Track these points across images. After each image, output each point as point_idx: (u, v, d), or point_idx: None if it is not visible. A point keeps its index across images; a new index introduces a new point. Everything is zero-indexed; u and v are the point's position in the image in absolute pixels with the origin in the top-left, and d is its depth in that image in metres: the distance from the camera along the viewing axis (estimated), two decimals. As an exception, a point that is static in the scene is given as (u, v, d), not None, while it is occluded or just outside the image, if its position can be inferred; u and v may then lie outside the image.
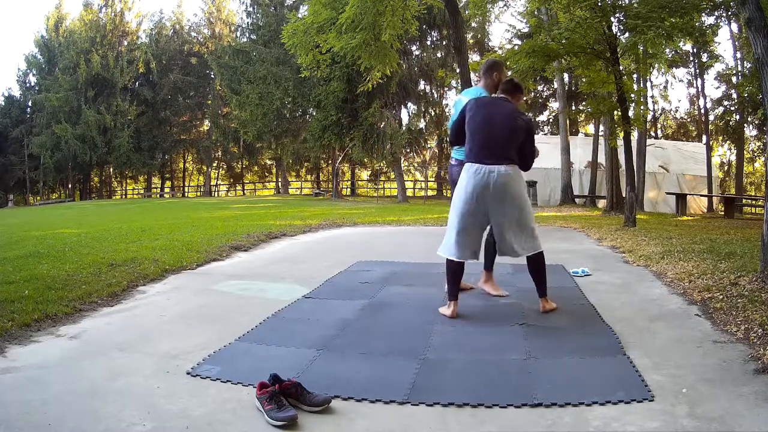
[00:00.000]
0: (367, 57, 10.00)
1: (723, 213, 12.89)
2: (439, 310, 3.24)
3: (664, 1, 7.43)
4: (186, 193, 35.25)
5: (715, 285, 3.63)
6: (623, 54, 8.81)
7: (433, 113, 23.92)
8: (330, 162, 27.09)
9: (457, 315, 3.15)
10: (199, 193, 34.28)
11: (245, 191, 35.85)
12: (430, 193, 26.74)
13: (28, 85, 32.62)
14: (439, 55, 21.72)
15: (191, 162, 37.32)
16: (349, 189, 29.44)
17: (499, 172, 3.07)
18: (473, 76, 10.44)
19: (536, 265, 3.24)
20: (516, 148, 3.16)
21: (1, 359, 2.52)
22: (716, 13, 9.72)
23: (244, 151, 30.81)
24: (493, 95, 3.39)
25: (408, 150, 22.46)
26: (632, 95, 9.15)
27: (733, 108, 20.36)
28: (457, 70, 11.51)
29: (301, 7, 20.01)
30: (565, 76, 16.71)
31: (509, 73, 9.53)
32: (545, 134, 24.46)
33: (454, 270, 3.22)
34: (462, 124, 3.27)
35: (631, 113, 8.79)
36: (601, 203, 15.87)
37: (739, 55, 17.19)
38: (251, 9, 25.65)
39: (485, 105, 3.23)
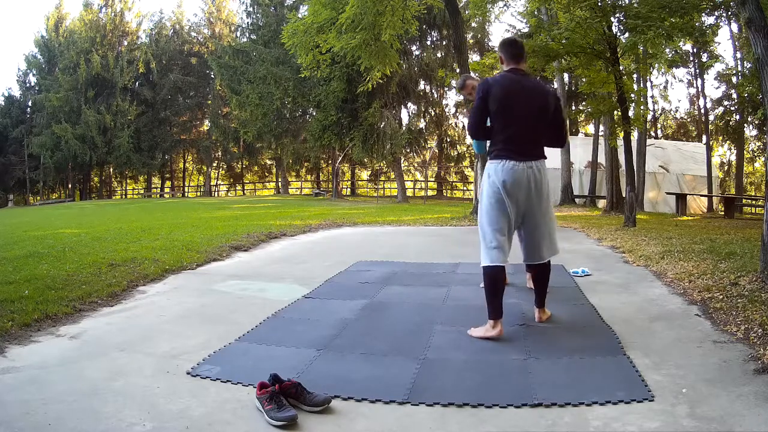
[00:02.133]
0: (367, 57, 10.01)
1: (723, 213, 12.89)
2: (472, 333, 2.80)
3: (664, 1, 7.43)
4: (186, 193, 35.27)
5: (715, 285, 3.63)
6: (623, 54, 8.81)
7: (433, 113, 23.94)
8: (330, 162, 27.10)
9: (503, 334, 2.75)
10: (199, 193, 34.29)
11: (245, 191, 35.86)
12: (430, 193, 26.75)
13: (28, 85, 32.67)
14: (439, 55, 21.72)
15: (191, 162, 37.34)
16: (349, 189, 29.47)
17: (536, 167, 2.81)
18: (473, 76, 10.43)
19: (545, 271, 3.03)
20: (545, 134, 2.90)
21: (1, 359, 2.52)
22: (716, 13, 9.73)
23: (244, 151, 30.82)
24: (506, 70, 2.88)
25: (408, 150, 22.48)
26: (632, 95, 9.15)
27: (733, 108, 20.38)
28: (457, 70, 11.51)
29: (301, 7, 20.01)
30: (565, 76, 16.71)
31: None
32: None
33: (496, 279, 2.80)
34: (484, 113, 2.83)
35: (631, 113, 8.79)
36: (601, 203, 15.86)
37: (739, 55, 17.19)
38: (251, 9, 25.66)
39: (512, 88, 2.78)
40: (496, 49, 3.07)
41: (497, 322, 2.75)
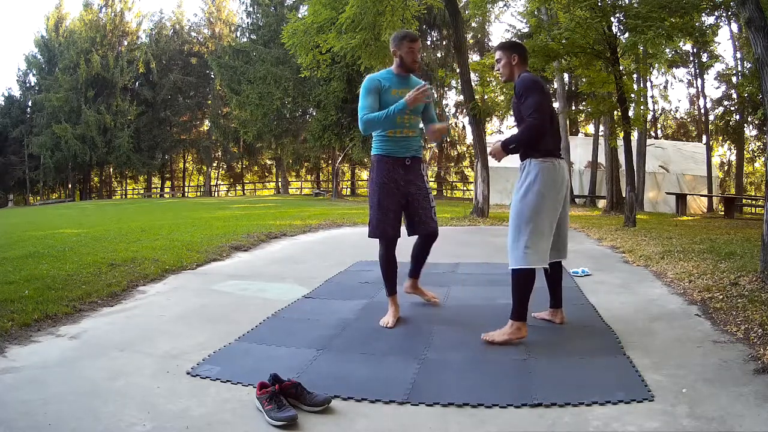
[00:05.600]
0: (367, 57, 10.01)
1: (723, 213, 12.89)
2: (493, 338, 2.70)
3: (664, 1, 7.44)
4: (186, 193, 35.26)
5: (715, 285, 3.63)
6: (623, 54, 8.82)
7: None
8: (330, 162, 27.11)
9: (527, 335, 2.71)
10: (199, 193, 34.30)
11: (245, 191, 35.86)
12: (429, 193, 26.67)
13: (28, 85, 32.64)
14: (439, 55, 21.73)
15: (191, 162, 37.33)
16: (349, 189, 29.47)
17: (565, 165, 2.85)
18: (473, 76, 10.46)
19: (561, 271, 3.02)
20: None
21: (1, 359, 2.52)
22: (716, 13, 9.72)
23: (244, 151, 30.84)
24: (525, 71, 2.86)
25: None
26: (632, 95, 9.16)
27: (733, 108, 20.36)
28: (457, 70, 11.51)
29: (301, 7, 20.02)
30: (565, 76, 16.70)
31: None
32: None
33: (532, 282, 2.72)
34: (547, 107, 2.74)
35: (631, 113, 8.80)
36: (601, 203, 15.86)
37: (739, 55, 17.18)
38: (251, 9, 25.68)
39: (543, 85, 2.81)
40: (506, 48, 2.93)
41: (524, 324, 2.70)
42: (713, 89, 38.68)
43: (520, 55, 2.87)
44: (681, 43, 12.38)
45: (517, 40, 3.07)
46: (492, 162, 10.29)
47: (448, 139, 27.48)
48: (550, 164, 2.74)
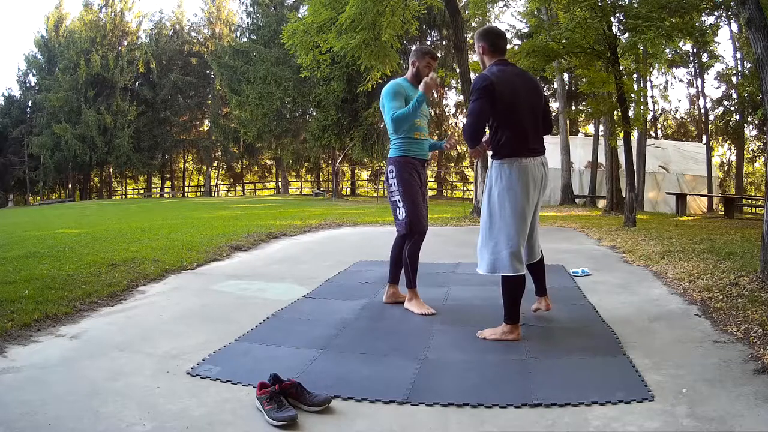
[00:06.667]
0: (367, 57, 10.01)
1: (723, 213, 12.89)
2: (485, 335, 2.76)
3: (664, 1, 7.43)
4: (186, 193, 35.27)
5: (715, 285, 3.63)
6: (623, 54, 8.81)
7: (433, 113, 23.96)
8: (330, 162, 27.10)
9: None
10: (199, 193, 34.30)
11: (245, 191, 35.87)
12: (430, 193, 26.72)
13: (28, 85, 32.68)
14: (439, 55, 21.73)
15: (191, 162, 37.35)
16: (349, 189, 29.47)
17: (544, 162, 2.76)
18: (473, 76, 10.46)
19: (542, 262, 3.04)
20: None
21: (1, 359, 2.52)
22: (716, 13, 9.73)
23: (244, 151, 30.84)
24: (496, 62, 2.76)
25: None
26: (632, 95, 9.15)
27: (733, 108, 20.36)
28: (457, 70, 11.52)
29: (301, 7, 20.04)
30: (565, 76, 16.71)
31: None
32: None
33: (521, 285, 2.71)
34: (488, 115, 2.64)
35: (631, 113, 8.79)
36: (601, 203, 15.86)
37: (739, 55, 17.20)
38: (251, 9, 25.70)
39: (516, 83, 2.69)
40: (476, 37, 2.84)
41: (516, 326, 2.74)
42: (713, 89, 38.76)
43: (486, 45, 2.79)
44: (681, 43, 12.38)
45: (493, 26, 2.97)
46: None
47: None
48: (509, 165, 2.67)
